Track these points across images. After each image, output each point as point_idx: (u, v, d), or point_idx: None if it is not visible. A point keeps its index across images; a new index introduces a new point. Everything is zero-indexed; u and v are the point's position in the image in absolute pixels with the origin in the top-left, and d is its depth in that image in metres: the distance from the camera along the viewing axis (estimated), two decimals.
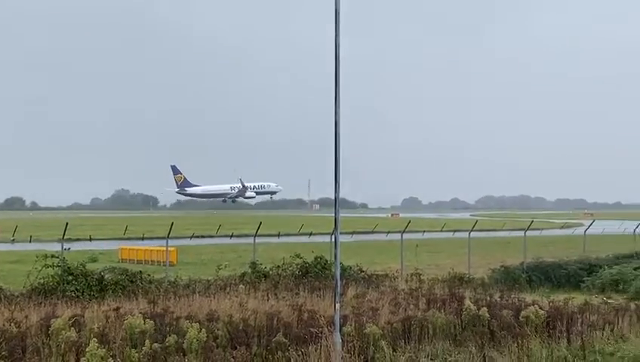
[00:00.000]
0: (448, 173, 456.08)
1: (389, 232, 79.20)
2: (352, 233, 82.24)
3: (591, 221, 51.55)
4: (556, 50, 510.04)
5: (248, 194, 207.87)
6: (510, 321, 16.88)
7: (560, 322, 16.96)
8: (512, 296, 23.02)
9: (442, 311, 18.15)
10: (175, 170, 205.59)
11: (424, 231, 79.67)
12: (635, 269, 31.92)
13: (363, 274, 29.09)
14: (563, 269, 33.22)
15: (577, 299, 22.39)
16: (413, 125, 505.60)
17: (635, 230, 41.92)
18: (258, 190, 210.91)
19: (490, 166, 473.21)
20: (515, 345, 15.78)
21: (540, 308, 17.51)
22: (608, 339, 17.26)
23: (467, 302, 18.61)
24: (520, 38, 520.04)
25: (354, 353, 14.55)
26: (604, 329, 17.68)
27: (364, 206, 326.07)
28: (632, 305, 20.65)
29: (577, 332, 16.77)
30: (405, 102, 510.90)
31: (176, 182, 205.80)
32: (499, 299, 21.48)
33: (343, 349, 14.68)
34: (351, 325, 15.63)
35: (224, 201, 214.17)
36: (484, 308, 17.52)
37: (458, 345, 16.03)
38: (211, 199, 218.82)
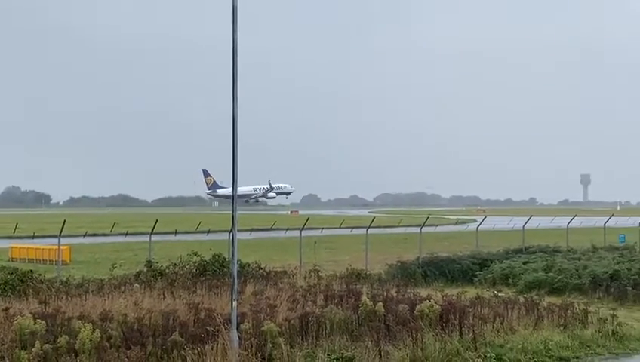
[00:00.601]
0: (347, 171, 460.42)
1: (287, 229, 79.34)
2: (251, 230, 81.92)
3: (483, 217, 53.12)
4: (439, 52, 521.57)
5: (270, 194, 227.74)
6: (405, 316, 17.20)
7: (453, 315, 17.41)
8: (408, 290, 23.47)
9: (340, 306, 18.34)
10: (205, 173, 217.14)
11: (322, 228, 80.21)
12: (524, 263, 33.04)
13: (261, 271, 28.99)
14: (457, 264, 34.05)
15: (470, 292, 23.04)
16: (310, 123, 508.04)
17: (524, 226, 43.43)
18: (277, 190, 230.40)
19: (388, 163, 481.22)
20: (410, 338, 16.12)
21: (435, 302, 17.94)
22: (498, 331, 17.87)
23: (364, 297, 18.85)
24: (401, 40, 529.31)
25: (251, 350, 14.50)
26: (494, 322, 18.29)
27: (263, 203, 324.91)
28: (521, 299, 21.39)
29: (469, 325, 17.26)
30: (303, 101, 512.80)
31: (206, 184, 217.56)
32: (395, 294, 21.83)
33: (240, 347, 14.61)
34: (248, 322, 15.56)
35: (247, 202, 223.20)
36: (380, 304, 17.81)
37: (355, 340, 16.25)
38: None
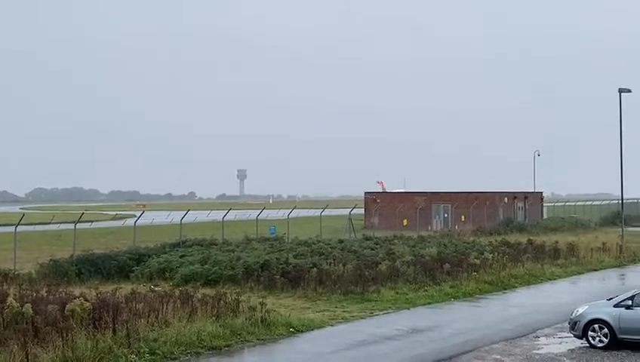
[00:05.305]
0: None
1: None
2: None
3: (141, 212, 52.90)
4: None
5: None
6: (56, 316, 16.48)
7: (106, 313, 17.09)
8: (61, 289, 22.62)
9: None
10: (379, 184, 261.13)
11: None
12: (181, 257, 33.45)
13: None
14: (113, 260, 33.35)
15: (126, 288, 22.70)
16: None
17: (181, 220, 43.99)
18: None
19: (42, 156, 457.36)
20: (60, 339, 15.51)
21: (86, 300, 17.43)
22: (153, 326, 17.88)
23: (10, 299, 17.67)
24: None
25: None
26: (149, 317, 18.26)
27: None
28: (177, 292, 21.58)
29: (123, 321, 17.06)
30: None
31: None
32: (46, 294, 20.92)
33: None
34: None
35: None
36: (29, 305, 16.85)
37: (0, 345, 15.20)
38: None
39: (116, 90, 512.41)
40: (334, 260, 30.98)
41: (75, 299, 17.69)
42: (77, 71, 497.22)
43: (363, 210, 77.77)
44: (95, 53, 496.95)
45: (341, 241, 41.78)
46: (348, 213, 58.42)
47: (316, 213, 68.29)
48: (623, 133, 43.82)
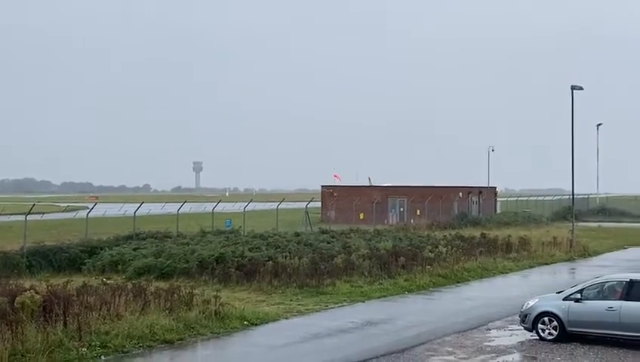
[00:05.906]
0: None
1: None
2: None
3: (94, 204, 52.22)
4: None
5: None
6: (5, 308, 16.19)
7: (57, 306, 16.85)
8: (11, 282, 22.24)
9: None
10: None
11: None
12: (134, 250, 33.12)
13: None
14: (65, 252, 32.92)
15: (77, 281, 22.38)
16: None
17: (135, 212, 43.58)
18: None
19: None
20: (10, 332, 15.27)
21: (37, 292, 17.15)
22: (104, 319, 17.68)
23: None
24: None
25: None
26: (100, 310, 18.04)
27: None
28: (130, 285, 21.35)
29: (74, 314, 16.85)
30: None
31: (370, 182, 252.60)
32: None
33: None
34: None
35: None
36: None
37: None
38: None
39: (73, 80, 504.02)
40: (290, 253, 30.96)
41: (25, 291, 17.38)
42: (32, 61, 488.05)
43: (320, 203, 77.84)
44: (55, 39, 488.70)
45: (297, 234, 41.75)
46: (305, 207, 58.41)
47: (273, 206, 68.21)
48: (574, 130, 44.63)
